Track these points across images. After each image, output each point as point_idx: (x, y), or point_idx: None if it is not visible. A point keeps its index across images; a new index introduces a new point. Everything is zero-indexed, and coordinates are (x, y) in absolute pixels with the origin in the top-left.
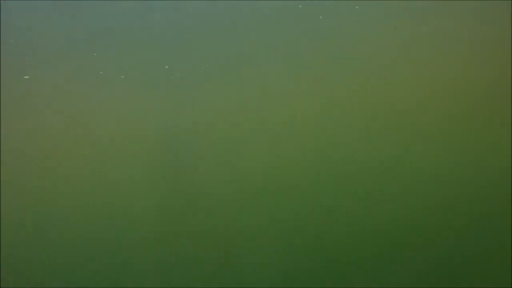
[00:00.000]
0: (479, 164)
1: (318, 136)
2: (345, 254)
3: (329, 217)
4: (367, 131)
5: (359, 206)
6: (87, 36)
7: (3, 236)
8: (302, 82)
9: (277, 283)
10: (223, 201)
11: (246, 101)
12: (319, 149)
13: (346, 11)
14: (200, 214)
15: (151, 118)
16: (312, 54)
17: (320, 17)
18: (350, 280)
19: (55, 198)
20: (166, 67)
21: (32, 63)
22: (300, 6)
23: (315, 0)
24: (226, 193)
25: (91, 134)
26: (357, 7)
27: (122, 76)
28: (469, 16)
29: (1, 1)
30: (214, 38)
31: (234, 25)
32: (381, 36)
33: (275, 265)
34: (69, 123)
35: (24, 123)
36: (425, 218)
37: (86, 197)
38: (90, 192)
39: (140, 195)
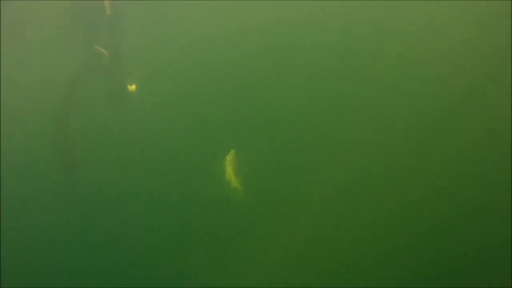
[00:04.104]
0: (478, 163)
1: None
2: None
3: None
4: (365, 130)
5: (356, 207)
6: None
7: (3, 236)
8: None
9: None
10: None
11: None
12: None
13: (346, 10)
14: None
15: None
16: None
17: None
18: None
19: (56, 197)
20: None
21: None
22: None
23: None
24: None
25: None
26: (357, 7)
27: None
28: (469, 16)
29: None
30: None
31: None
32: (380, 35)
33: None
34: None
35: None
36: (424, 218)
37: (88, 198)
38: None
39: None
